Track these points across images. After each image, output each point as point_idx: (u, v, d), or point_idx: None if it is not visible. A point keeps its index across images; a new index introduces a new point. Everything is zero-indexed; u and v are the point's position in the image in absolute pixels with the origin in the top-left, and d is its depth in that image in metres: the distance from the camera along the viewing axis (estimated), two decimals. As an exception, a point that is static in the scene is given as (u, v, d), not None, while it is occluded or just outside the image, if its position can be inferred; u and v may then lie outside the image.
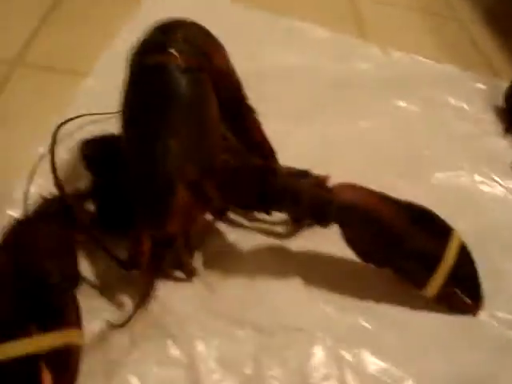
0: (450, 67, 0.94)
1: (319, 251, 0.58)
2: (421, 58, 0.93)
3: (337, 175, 0.55)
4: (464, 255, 0.56)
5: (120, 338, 0.47)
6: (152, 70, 0.54)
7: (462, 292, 0.56)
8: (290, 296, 0.54)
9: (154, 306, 0.50)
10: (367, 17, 1.03)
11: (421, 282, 0.54)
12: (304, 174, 0.57)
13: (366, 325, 0.53)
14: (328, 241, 0.56)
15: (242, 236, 0.58)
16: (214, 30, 0.84)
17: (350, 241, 0.53)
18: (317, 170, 0.58)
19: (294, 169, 0.58)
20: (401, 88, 0.85)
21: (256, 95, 0.69)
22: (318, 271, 0.56)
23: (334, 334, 0.52)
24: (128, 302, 0.50)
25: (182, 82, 0.53)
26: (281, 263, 0.57)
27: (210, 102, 0.55)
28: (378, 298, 0.55)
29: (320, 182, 0.54)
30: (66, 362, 0.42)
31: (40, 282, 0.43)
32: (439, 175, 0.72)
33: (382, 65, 0.90)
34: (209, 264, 0.55)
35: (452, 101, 0.85)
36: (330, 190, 0.53)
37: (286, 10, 0.96)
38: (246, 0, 0.96)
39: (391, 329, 0.53)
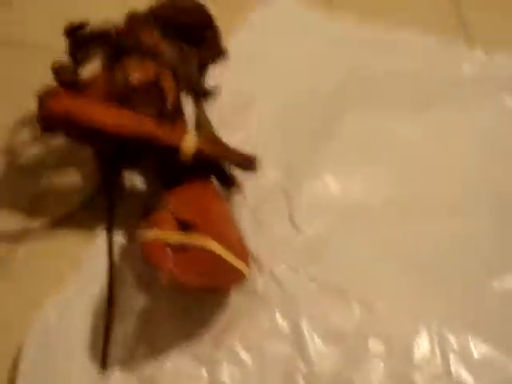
0: None
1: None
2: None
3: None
4: None
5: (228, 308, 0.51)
6: None
7: None
8: (391, 271, 0.55)
9: (259, 277, 0.53)
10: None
11: None
12: None
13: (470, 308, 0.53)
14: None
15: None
16: (319, 44, 0.89)
17: None
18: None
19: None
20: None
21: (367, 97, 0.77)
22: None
23: (438, 316, 0.52)
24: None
25: None
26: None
27: None
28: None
29: None
30: None
31: None
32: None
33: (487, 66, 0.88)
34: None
35: None
36: None
37: (385, 18, 0.97)
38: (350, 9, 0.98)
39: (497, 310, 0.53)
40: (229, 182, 0.58)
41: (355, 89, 0.80)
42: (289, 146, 0.68)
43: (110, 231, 0.55)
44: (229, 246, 0.49)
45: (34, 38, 0.84)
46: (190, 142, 0.53)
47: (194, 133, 0.54)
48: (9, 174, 0.63)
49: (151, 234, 0.47)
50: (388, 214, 0.61)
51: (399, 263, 0.56)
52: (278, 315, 0.50)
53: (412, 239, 0.59)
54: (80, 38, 0.64)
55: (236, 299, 0.51)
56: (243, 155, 0.56)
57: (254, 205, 0.59)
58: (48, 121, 0.55)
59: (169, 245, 0.47)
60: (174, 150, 0.53)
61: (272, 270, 0.53)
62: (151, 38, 0.66)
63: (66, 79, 0.56)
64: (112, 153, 0.58)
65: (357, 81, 0.81)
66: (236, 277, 0.49)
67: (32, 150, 0.66)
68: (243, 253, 0.51)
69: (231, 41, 0.86)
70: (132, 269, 0.53)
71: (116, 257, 0.54)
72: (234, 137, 0.66)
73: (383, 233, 0.59)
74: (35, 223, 0.57)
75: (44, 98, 0.55)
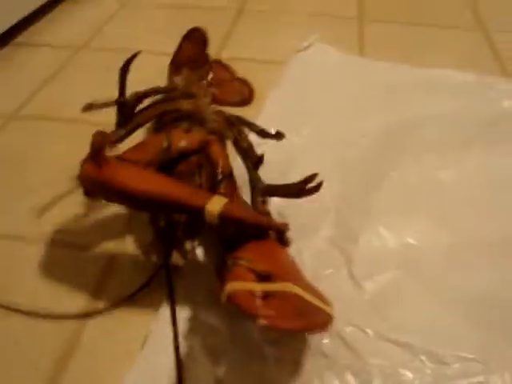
0: None
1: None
2: None
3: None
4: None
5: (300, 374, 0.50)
6: None
7: None
8: (458, 320, 0.55)
9: (326, 339, 0.53)
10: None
11: None
12: None
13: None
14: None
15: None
16: (358, 87, 0.91)
17: None
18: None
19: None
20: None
21: (408, 142, 0.78)
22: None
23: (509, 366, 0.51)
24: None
25: None
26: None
27: None
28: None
29: None
30: None
31: None
32: None
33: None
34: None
35: None
36: None
37: (419, 60, 0.99)
38: (383, 56, 1.01)
39: None
40: (282, 243, 0.57)
41: (397, 134, 0.81)
42: (340, 199, 0.69)
43: (172, 304, 0.56)
44: (309, 290, 0.49)
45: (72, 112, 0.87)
46: (214, 205, 0.53)
47: (222, 197, 0.55)
48: (69, 250, 0.65)
49: (236, 285, 0.46)
50: (447, 262, 0.61)
51: (465, 311, 0.56)
52: (349, 377, 0.49)
53: (473, 284, 0.59)
54: (127, 102, 0.66)
55: (306, 364, 0.51)
56: (274, 224, 0.56)
57: (311, 264, 0.59)
58: (85, 183, 0.57)
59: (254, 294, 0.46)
60: (199, 212, 0.53)
61: (339, 332, 0.53)
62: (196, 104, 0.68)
63: (97, 146, 0.56)
64: (165, 222, 0.59)
65: (398, 125, 0.83)
66: (324, 318, 0.48)
67: (87, 224, 0.68)
68: (322, 296, 0.50)
69: (273, 93, 0.90)
70: (200, 339, 0.54)
71: (182, 329, 0.54)
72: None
73: (445, 282, 0.59)
74: (99, 303, 0.58)
75: (83, 163, 0.56)
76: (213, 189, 0.59)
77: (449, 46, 1.05)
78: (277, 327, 0.44)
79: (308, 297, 0.48)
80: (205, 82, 0.79)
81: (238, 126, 0.67)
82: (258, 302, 0.45)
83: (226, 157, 0.63)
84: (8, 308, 0.58)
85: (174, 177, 0.59)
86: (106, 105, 0.65)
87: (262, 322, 0.42)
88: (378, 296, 0.57)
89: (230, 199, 0.57)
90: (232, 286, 0.46)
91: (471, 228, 0.65)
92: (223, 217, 0.52)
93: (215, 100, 0.75)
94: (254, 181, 0.62)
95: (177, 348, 0.53)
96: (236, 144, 0.65)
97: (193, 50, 0.84)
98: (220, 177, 0.61)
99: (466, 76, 0.95)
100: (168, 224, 0.59)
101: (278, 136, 0.66)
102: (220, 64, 0.83)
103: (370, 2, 1.22)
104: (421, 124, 0.83)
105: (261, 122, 0.80)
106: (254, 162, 0.63)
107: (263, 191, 0.61)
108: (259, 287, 0.47)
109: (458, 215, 0.67)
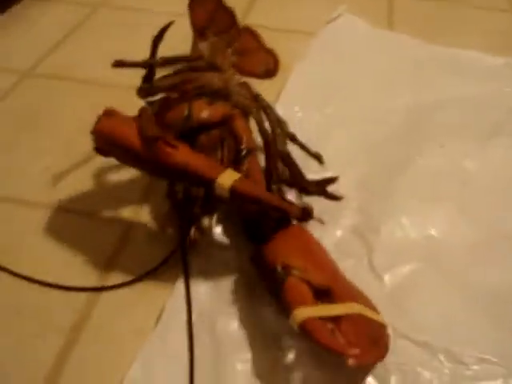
0: None
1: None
2: None
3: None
4: None
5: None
6: None
7: None
8: (471, 319, 0.54)
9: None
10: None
11: None
12: None
13: None
14: None
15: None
16: (386, 61, 0.88)
17: None
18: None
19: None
20: None
21: (434, 125, 0.74)
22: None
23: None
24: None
25: None
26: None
27: None
28: None
29: None
30: None
31: None
32: None
33: None
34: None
35: None
36: None
37: (449, 38, 0.96)
38: (412, 32, 0.97)
39: None
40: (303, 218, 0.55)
41: (423, 115, 0.79)
42: (362, 184, 0.66)
43: (187, 282, 0.54)
44: (364, 303, 0.48)
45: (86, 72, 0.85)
46: (226, 179, 0.51)
47: (235, 172, 0.53)
48: (82, 217, 0.63)
49: (304, 312, 0.45)
50: (470, 256, 0.59)
51: (486, 309, 0.54)
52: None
53: (496, 280, 0.57)
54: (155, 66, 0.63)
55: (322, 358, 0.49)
56: (286, 206, 0.53)
57: (332, 253, 0.56)
58: (98, 140, 0.55)
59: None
60: (209, 184, 0.51)
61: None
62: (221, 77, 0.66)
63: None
64: (183, 196, 0.57)
65: (424, 106, 0.80)
66: (386, 332, 0.48)
67: (102, 190, 0.66)
68: (371, 303, 0.50)
69: (298, 65, 0.87)
70: (215, 319, 0.53)
71: (197, 307, 0.53)
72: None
73: (466, 277, 0.57)
74: (113, 275, 0.57)
75: (100, 117, 0.54)
76: (235, 164, 0.57)
77: (480, 26, 1.02)
78: (363, 365, 0.45)
79: (369, 313, 0.47)
80: (230, 50, 0.76)
81: (270, 114, 0.64)
82: (336, 335, 0.45)
83: (250, 132, 0.61)
84: (12, 273, 0.56)
85: (195, 149, 0.57)
86: (135, 64, 0.61)
87: (352, 362, 0.42)
88: (397, 289, 0.55)
89: (255, 175, 0.56)
90: (301, 314, 0.45)
91: (496, 221, 0.63)
92: (234, 192, 0.51)
93: (239, 70, 0.73)
94: (273, 169, 0.59)
95: (190, 327, 0.52)
96: (267, 144, 0.61)
97: (207, 9, 0.80)
98: (244, 152, 0.58)
99: (496, 59, 0.92)
100: (185, 198, 0.57)
101: (318, 158, 0.66)
102: (249, 31, 0.79)
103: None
104: (447, 106, 0.80)
105: (284, 95, 0.79)
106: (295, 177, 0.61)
107: (281, 181, 0.59)
108: (326, 311, 0.46)
109: (482, 207, 0.65)
